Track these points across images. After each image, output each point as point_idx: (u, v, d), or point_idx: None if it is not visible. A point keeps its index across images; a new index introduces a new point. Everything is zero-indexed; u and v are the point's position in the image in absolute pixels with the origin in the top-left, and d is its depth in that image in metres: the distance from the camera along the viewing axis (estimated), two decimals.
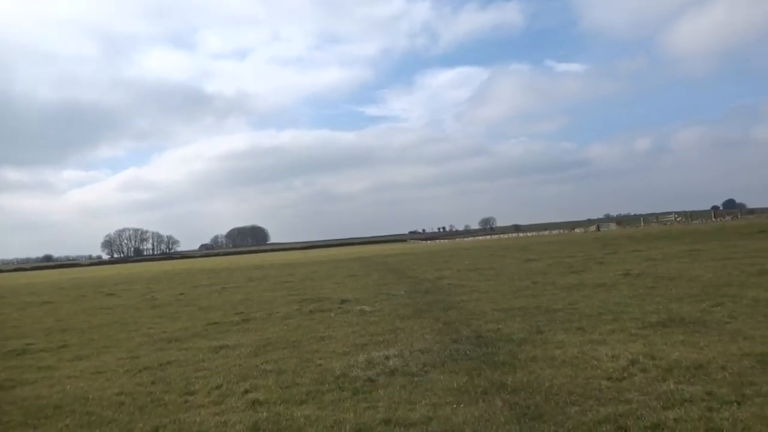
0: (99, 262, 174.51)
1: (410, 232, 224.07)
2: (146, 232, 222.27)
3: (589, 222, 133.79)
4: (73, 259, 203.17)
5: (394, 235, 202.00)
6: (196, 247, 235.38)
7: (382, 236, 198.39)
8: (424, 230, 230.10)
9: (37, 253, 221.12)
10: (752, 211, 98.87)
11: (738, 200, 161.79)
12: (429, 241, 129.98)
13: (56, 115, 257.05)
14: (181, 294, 21.28)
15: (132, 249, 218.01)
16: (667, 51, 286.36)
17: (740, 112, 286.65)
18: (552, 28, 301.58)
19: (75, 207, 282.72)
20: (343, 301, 13.70)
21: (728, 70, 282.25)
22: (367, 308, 11.76)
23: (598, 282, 12.76)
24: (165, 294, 21.89)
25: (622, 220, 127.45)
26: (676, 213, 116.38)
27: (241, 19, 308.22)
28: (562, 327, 7.77)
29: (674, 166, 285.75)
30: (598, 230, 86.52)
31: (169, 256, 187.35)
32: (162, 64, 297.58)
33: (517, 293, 12.24)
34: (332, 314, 11.48)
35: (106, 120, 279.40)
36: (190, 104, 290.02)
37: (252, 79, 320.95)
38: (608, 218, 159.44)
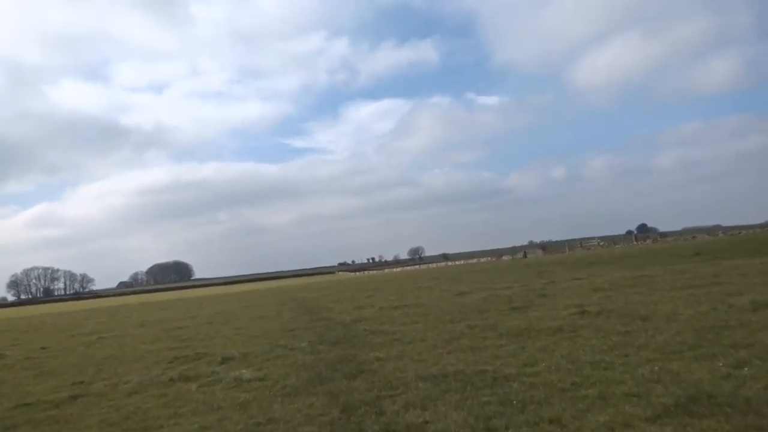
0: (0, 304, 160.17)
1: (339, 264, 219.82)
2: (57, 270, 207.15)
3: (514, 249, 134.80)
4: None
5: (323, 267, 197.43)
6: (114, 285, 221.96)
7: (310, 268, 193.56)
8: (353, 261, 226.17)
9: None
10: (665, 235, 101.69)
11: (650, 224, 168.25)
12: (357, 273, 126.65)
13: None
14: (43, 348, 17.18)
15: (41, 289, 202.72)
16: (572, 85, 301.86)
17: (641, 141, 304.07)
18: (467, 64, 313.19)
19: None
20: (224, 360, 10.38)
21: (627, 102, 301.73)
22: (247, 374, 8.50)
23: (552, 325, 9.99)
24: (24, 349, 17.70)
25: (546, 246, 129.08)
26: (598, 238, 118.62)
27: (155, 52, 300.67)
28: (525, 419, 4.81)
29: (588, 193, 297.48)
30: (526, 257, 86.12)
31: (81, 295, 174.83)
32: (73, 97, 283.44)
33: (451, 344, 9.30)
34: (194, 386, 8.14)
35: (13, 154, 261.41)
36: (104, 138, 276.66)
37: (170, 113, 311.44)
38: (533, 245, 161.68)
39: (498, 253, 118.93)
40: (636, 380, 5.65)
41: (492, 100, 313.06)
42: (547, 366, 6.75)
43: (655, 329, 8.34)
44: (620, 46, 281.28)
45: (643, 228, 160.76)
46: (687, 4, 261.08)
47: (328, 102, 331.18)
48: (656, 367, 6.04)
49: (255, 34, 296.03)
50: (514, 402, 5.36)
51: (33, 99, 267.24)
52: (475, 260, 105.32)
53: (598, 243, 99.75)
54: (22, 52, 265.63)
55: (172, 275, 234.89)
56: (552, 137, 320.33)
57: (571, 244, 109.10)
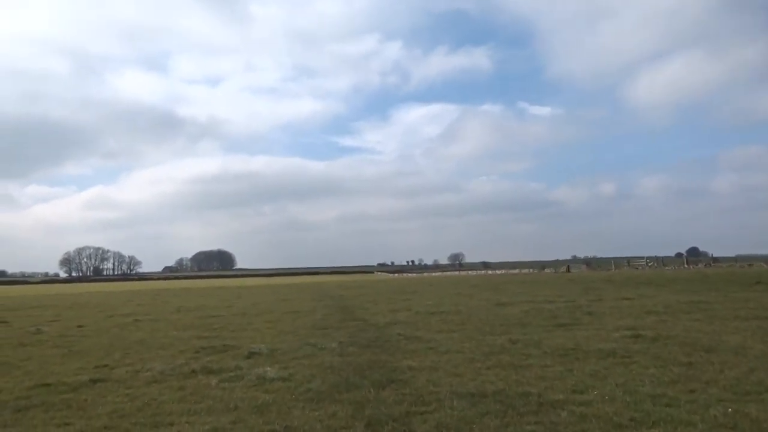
0: (51, 280, 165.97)
1: (379, 264, 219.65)
2: (107, 251, 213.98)
3: (557, 262, 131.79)
4: (28, 276, 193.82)
5: (362, 266, 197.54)
6: (159, 269, 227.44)
7: (350, 267, 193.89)
8: (392, 263, 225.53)
9: None
10: (717, 260, 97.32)
11: (701, 248, 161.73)
12: (396, 274, 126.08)
13: (23, 130, 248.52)
14: (79, 327, 17.21)
15: (91, 268, 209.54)
16: (628, 101, 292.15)
17: (698, 163, 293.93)
18: (520, 73, 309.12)
19: (37, 223, 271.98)
20: (250, 355, 9.95)
21: (685, 122, 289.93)
22: (271, 372, 8.02)
23: (602, 347, 9.18)
24: (61, 326, 17.76)
25: (591, 262, 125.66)
26: (647, 258, 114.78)
27: (213, 47, 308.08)
28: None
29: (637, 212, 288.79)
30: (569, 271, 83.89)
31: (128, 277, 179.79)
32: (134, 86, 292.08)
33: (490, 359, 8.62)
34: (215, 381, 7.70)
35: (74, 137, 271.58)
36: (161, 126, 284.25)
37: (225, 106, 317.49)
38: (576, 259, 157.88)
39: (540, 265, 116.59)
40: (707, 423, 4.88)
41: (544, 111, 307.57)
42: (600, 395, 6.01)
43: (723, 363, 7.45)
44: (681, 65, 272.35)
45: (693, 251, 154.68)
46: (753, 25, 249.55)
47: (379, 103, 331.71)
48: (730, 409, 5.25)
49: (310, 34, 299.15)
50: None
51: (96, 87, 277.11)
52: (516, 271, 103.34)
53: (647, 263, 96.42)
54: (88, 42, 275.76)
55: (215, 263, 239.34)
56: (603, 152, 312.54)
57: (617, 261, 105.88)
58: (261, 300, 29.32)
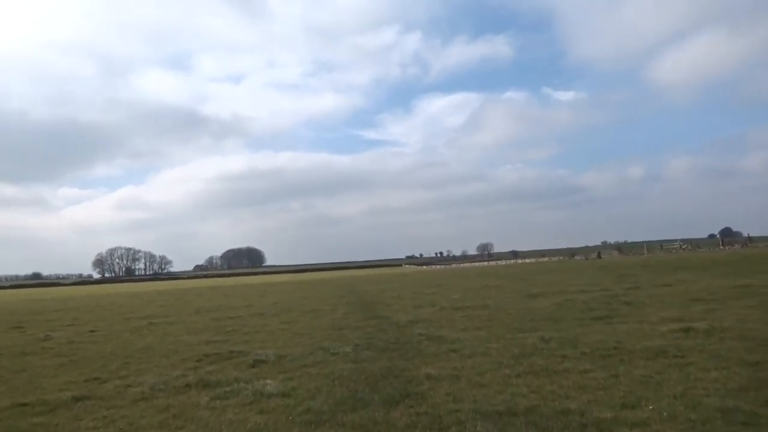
0: (84, 281, 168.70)
1: (407, 257, 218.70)
2: (138, 251, 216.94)
3: (587, 249, 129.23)
4: (63, 278, 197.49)
5: (390, 259, 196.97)
6: (190, 267, 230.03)
7: (378, 260, 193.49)
8: (421, 255, 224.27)
9: (26, 270, 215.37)
10: (751, 239, 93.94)
11: (734, 228, 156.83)
12: (424, 267, 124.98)
13: (53, 133, 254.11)
14: (92, 331, 16.61)
15: (123, 269, 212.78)
16: (653, 83, 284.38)
17: (728, 142, 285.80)
18: (541, 59, 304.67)
19: (70, 224, 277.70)
20: (255, 363, 9.06)
21: (712, 101, 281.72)
22: (272, 386, 7.09)
23: (649, 345, 8.04)
24: (73, 331, 17.18)
25: (622, 247, 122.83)
26: (680, 240, 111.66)
27: (234, 45, 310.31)
28: None
29: (667, 194, 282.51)
30: (600, 257, 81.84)
31: (158, 276, 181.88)
32: (158, 86, 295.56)
33: (520, 362, 7.56)
34: (207, 398, 6.79)
35: (102, 139, 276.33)
36: (186, 125, 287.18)
37: (248, 103, 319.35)
38: (607, 245, 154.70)
39: (570, 252, 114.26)
40: None
41: (567, 96, 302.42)
42: (657, 410, 4.93)
43: None
44: (705, 44, 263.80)
45: (727, 232, 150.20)
46: None
47: (400, 95, 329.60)
48: None
49: (329, 28, 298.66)
50: None
51: (121, 88, 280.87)
52: (545, 259, 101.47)
53: (680, 245, 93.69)
54: (112, 44, 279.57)
55: (244, 261, 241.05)
56: (630, 135, 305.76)
57: (650, 245, 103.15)
58: (282, 298, 28.57)
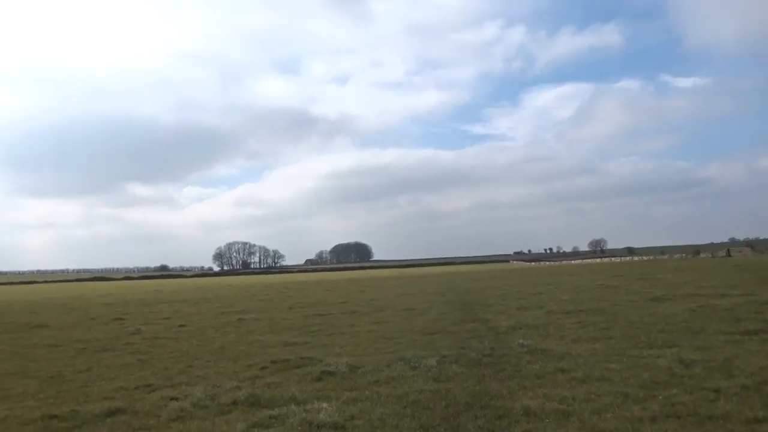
0: (203, 273, 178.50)
1: (515, 253, 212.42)
2: (254, 246, 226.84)
3: (713, 246, 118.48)
4: (186, 269, 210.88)
5: (497, 255, 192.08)
6: (301, 261, 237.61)
7: (485, 256, 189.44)
8: (529, 251, 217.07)
9: (155, 262, 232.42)
10: None
11: None
12: (532, 263, 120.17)
13: (178, 136, 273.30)
14: (181, 326, 16.28)
15: (240, 262, 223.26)
16: None
17: None
18: (656, 46, 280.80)
19: (194, 221, 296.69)
20: (322, 376, 7.73)
21: None
22: (326, 413, 5.67)
23: None
24: (164, 325, 16.88)
25: (755, 244, 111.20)
26: None
27: (341, 47, 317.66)
28: None
29: None
30: (729, 255, 74.15)
31: (271, 270, 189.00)
32: (271, 90, 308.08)
33: (652, 395, 5.63)
34: (243, 426, 5.50)
35: (222, 141, 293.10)
36: (297, 126, 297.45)
37: (354, 102, 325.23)
38: (735, 242, 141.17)
39: (693, 249, 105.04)
40: None
41: (687, 83, 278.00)
42: None
43: None
44: None
45: None
46: None
47: (506, 89, 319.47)
48: None
49: (431, 26, 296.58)
50: None
51: (238, 93, 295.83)
52: (665, 256, 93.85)
53: None
54: (229, 51, 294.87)
55: (352, 255, 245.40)
56: (760, 123, 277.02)
57: None
58: (380, 295, 27.44)
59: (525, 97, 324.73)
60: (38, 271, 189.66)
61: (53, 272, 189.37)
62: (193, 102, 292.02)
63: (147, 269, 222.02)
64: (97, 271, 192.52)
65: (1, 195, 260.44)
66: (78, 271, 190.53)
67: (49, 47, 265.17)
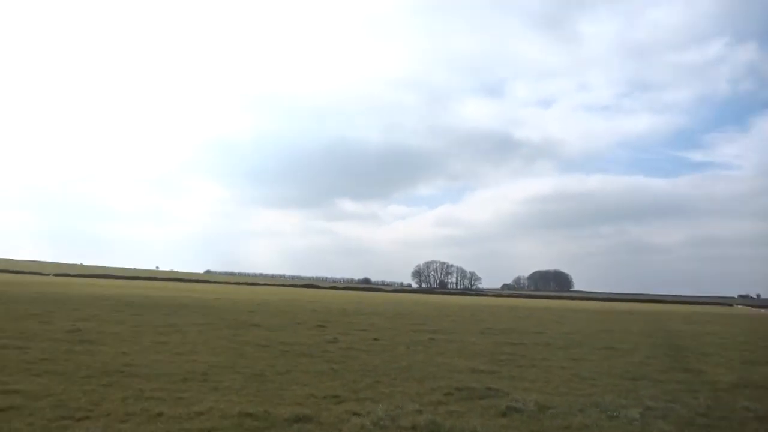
0: (402, 289, 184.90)
1: (740, 296, 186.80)
2: (451, 266, 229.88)
3: None
4: (386, 284, 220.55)
5: (718, 297, 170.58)
6: (497, 285, 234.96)
7: (702, 297, 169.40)
8: (758, 295, 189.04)
9: (358, 275, 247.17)
10: None
11: None
12: (762, 309, 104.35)
13: (385, 157, 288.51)
14: (375, 340, 16.74)
15: (437, 281, 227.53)
16: None
17: None
18: None
19: (395, 238, 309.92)
20: (507, 412, 7.33)
21: None
22: None
23: None
24: (359, 337, 17.41)
25: None
26: None
27: (546, 69, 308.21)
28: None
29: None
30: None
31: (467, 291, 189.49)
32: (474, 113, 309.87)
33: None
34: None
35: (425, 162, 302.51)
36: (499, 149, 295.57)
37: (558, 126, 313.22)
38: None
39: None
40: None
41: None
42: None
43: None
44: None
45: None
46: None
47: (731, 113, 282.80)
48: None
49: (645, 46, 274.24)
50: None
51: (442, 115, 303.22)
52: None
53: None
54: (434, 75, 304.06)
55: (551, 283, 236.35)
56: None
57: None
58: (578, 328, 25.78)
59: (755, 121, 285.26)
60: (260, 274, 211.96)
61: (273, 276, 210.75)
62: (400, 124, 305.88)
63: (351, 280, 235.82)
64: (308, 278, 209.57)
65: (237, 205, 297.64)
66: (293, 278, 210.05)
67: (282, 76, 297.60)
